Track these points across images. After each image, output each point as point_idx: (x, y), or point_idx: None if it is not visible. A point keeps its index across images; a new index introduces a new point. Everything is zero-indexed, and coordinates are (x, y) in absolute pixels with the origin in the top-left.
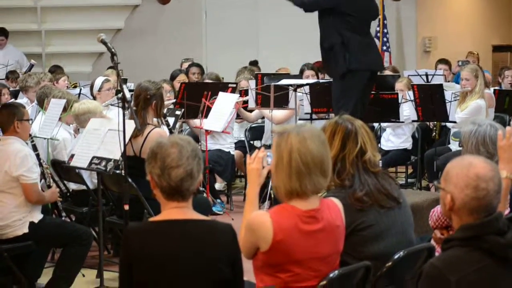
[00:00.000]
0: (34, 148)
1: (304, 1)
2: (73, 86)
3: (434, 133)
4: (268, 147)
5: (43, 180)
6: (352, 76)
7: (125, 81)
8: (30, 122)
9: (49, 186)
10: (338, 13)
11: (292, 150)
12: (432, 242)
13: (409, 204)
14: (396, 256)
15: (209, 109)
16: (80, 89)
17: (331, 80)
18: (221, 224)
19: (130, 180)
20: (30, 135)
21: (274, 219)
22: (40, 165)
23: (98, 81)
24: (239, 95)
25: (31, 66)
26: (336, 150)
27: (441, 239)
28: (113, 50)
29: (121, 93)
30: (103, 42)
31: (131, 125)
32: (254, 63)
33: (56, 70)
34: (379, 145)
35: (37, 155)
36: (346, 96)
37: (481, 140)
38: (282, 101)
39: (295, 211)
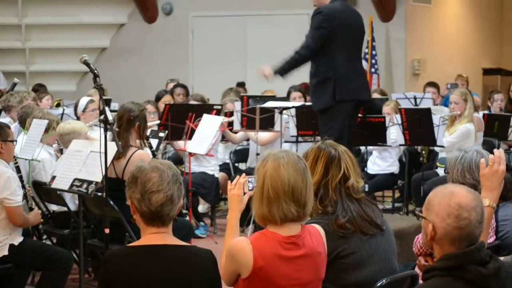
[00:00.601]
0: (18, 169)
1: (302, 55)
2: (56, 103)
3: (422, 157)
4: (252, 169)
5: (24, 201)
6: (339, 104)
7: (109, 101)
8: (14, 143)
9: (31, 208)
10: (331, 40)
11: (265, 176)
12: (416, 269)
13: (395, 229)
14: (378, 284)
15: (193, 131)
16: (63, 109)
17: None
18: (201, 250)
19: (112, 202)
20: (14, 156)
21: (254, 245)
22: (23, 187)
23: (83, 102)
24: (224, 117)
25: (14, 84)
26: (319, 175)
27: (425, 266)
28: (95, 71)
29: (103, 115)
30: (86, 63)
31: (113, 147)
32: (241, 84)
33: (39, 89)
34: (365, 168)
35: (20, 177)
36: (333, 122)
37: (467, 166)
38: (267, 123)
39: (275, 237)
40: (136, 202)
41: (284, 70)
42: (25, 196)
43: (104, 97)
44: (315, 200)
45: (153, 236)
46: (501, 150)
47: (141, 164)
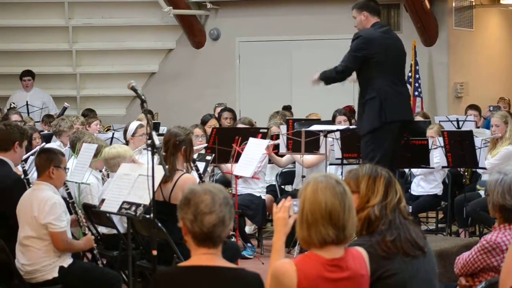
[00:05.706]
0: (69, 195)
1: (339, 70)
2: (106, 129)
3: (465, 179)
4: (298, 191)
5: (77, 227)
6: (385, 126)
7: (158, 125)
8: (66, 170)
9: (84, 234)
10: (372, 64)
11: (305, 200)
12: None
13: (438, 250)
14: None
15: (240, 154)
16: (113, 133)
17: None
18: (249, 273)
19: (159, 224)
20: (64, 183)
21: (298, 267)
22: (76, 212)
23: (132, 126)
24: (270, 140)
25: (64, 109)
26: (380, 196)
27: (466, 286)
28: (143, 97)
29: (150, 140)
30: (133, 89)
31: (160, 171)
32: (287, 107)
33: (88, 114)
34: (409, 190)
35: (72, 203)
36: (376, 145)
37: (507, 188)
38: (313, 146)
39: (319, 260)
40: (189, 223)
41: (325, 77)
42: (78, 222)
43: (153, 121)
44: (371, 216)
45: (203, 257)
46: None
47: (194, 187)
